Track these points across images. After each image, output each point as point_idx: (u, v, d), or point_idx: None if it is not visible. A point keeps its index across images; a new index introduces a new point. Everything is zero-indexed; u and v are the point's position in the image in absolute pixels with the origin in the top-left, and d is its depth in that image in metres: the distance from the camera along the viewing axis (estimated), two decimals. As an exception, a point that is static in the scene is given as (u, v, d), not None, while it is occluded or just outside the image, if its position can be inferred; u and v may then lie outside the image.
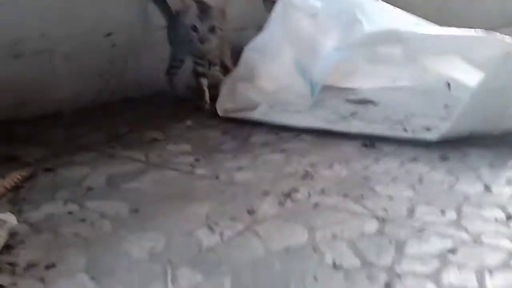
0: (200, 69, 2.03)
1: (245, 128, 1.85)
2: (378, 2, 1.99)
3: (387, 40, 1.86)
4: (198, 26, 1.85)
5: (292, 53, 1.99)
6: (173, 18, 2.09)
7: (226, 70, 2.10)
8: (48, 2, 1.95)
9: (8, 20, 1.86)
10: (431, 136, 1.59)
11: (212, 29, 1.87)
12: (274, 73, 2.00)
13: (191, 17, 1.88)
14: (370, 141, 1.65)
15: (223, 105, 1.96)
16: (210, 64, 2.02)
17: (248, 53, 2.01)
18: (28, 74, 1.95)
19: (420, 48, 1.86)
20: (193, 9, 1.87)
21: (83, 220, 1.25)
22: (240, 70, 2.02)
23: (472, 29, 1.76)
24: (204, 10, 1.86)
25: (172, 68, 2.14)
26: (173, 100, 2.22)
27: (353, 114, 1.91)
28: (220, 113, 1.94)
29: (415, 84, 2.13)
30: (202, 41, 1.86)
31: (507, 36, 1.66)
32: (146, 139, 1.81)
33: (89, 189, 1.43)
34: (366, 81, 2.19)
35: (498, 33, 1.69)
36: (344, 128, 1.74)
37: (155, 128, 1.91)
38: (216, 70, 2.03)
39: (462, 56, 1.85)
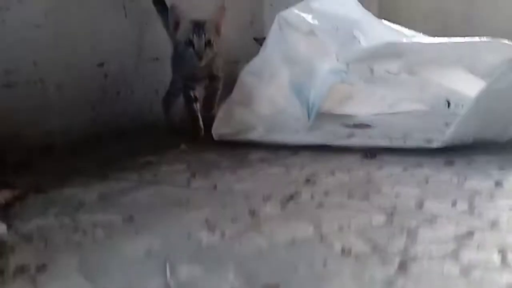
0: (191, 93, 1.99)
1: (242, 148, 1.81)
2: (375, 18, 2.00)
3: (385, 55, 1.85)
4: (194, 41, 1.80)
5: (288, 74, 1.98)
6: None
7: (215, 81, 1.98)
8: (41, 31, 1.95)
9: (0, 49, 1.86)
10: (434, 144, 1.56)
11: (208, 43, 1.81)
12: (271, 96, 1.98)
13: (185, 32, 1.83)
14: (370, 153, 1.62)
15: (219, 130, 1.93)
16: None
17: (245, 76, 2.01)
18: (20, 104, 1.91)
19: (420, 60, 1.85)
20: (186, 23, 1.83)
21: (75, 229, 1.18)
22: (236, 93, 2.00)
23: (476, 37, 1.75)
24: (198, 25, 1.82)
25: (170, 95, 2.10)
26: (166, 131, 2.19)
27: (351, 135, 1.88)
28: (215, 137, 1.91)
29: (412, 108, 2.11)
30: (199, 56, 1.80)
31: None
32: (139, 162, 1.76)
33: (81, 204, 1.36)
34: (363, 107, 2.18)
35: (502, 39, 1.69)
36: (343, 142, 1.71)
37: (148, 153, 1.87)
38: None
39: (465, 65, 1.81)
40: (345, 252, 0.93)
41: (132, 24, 2.25)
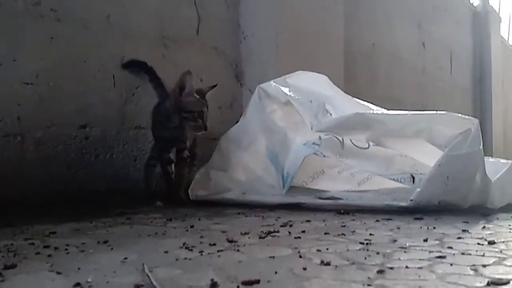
0: (165, 156, 2.04)
1: (218, 205, 1.84)
2: (344, 95, 2.15)
3: (354, 125, 1.97)
4: (204, 113, 1.93)
5: (265, 142, 2.06)
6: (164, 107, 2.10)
7: (192, 157, 2.10)
8: (29, 89, 2.00)
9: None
10: (403, 203, 1.63)
11: (207, 107, 1.95)
12: (247, 162, 2.04)
13: (196, 103, 1.95)
14: (344, 210, 1.67)
15: (196, 191, 1.95)
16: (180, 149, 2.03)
17: (224, 143, 2.08)
18: (-4, 155, 1.91)
19: (385, 132, 1.96)
20: (190, 87, 1.95)
21: (45, 247, 1.15)
22: (214, 158, 2.06)
23: (433, 111, 1.91)
24: (203, 96, 1.97)
25: (151, 159, 2.14)
26: (143, 195, 2.20)
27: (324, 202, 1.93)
28: (192, 197, 1.93)
29: (380, 187, 2.20)
30: (200, 116, 1.91)
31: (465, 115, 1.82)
32: (114, 212, 1.75)
33: (52, 233, 1.34)
34: (334, 183, 2.24)
35: (456, 113, 1.86)
36: (317, 202, 1.75)
37: (123, 207, 1.86)
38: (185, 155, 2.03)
39: (424, 136, 1.93)
40: (324, 263, 0.95)
41: (119, 92, 2.35)
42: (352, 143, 2.04)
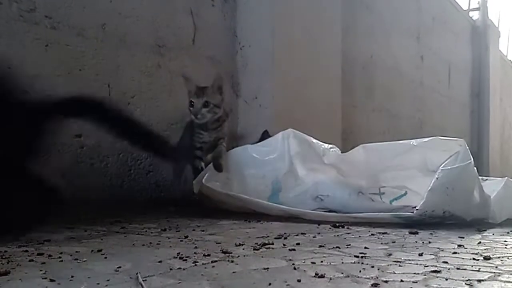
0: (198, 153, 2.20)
1: (213, 217, 1.84)
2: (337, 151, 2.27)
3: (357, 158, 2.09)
4: (194, 102, 2.11)
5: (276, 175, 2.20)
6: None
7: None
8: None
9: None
10: (409, 213, 1.64)
11: (205, 105, 2.10)
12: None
13: (190, 95, 2.15)
14: (339, 224, 1.67)
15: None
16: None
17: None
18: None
19: (381, 167, 2.01)
20: (192, 89, 2.15)
21: (39, 254, 1.14)
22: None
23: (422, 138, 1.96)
24: (199, 90, 2.13)
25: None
26: (135, 204, 2.21)
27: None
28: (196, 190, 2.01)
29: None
30: (195, 114, 2.10)
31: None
32: (108, 221, 1.74)
33: (47, 241, 1.33)
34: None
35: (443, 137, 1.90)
36: (313, 214, 1.76)
37: (117, 216, 1.85)
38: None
39: (418, 165, 1.96)
40: (319, 275, 0.94)
41: (114, 102, 2.33)
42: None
